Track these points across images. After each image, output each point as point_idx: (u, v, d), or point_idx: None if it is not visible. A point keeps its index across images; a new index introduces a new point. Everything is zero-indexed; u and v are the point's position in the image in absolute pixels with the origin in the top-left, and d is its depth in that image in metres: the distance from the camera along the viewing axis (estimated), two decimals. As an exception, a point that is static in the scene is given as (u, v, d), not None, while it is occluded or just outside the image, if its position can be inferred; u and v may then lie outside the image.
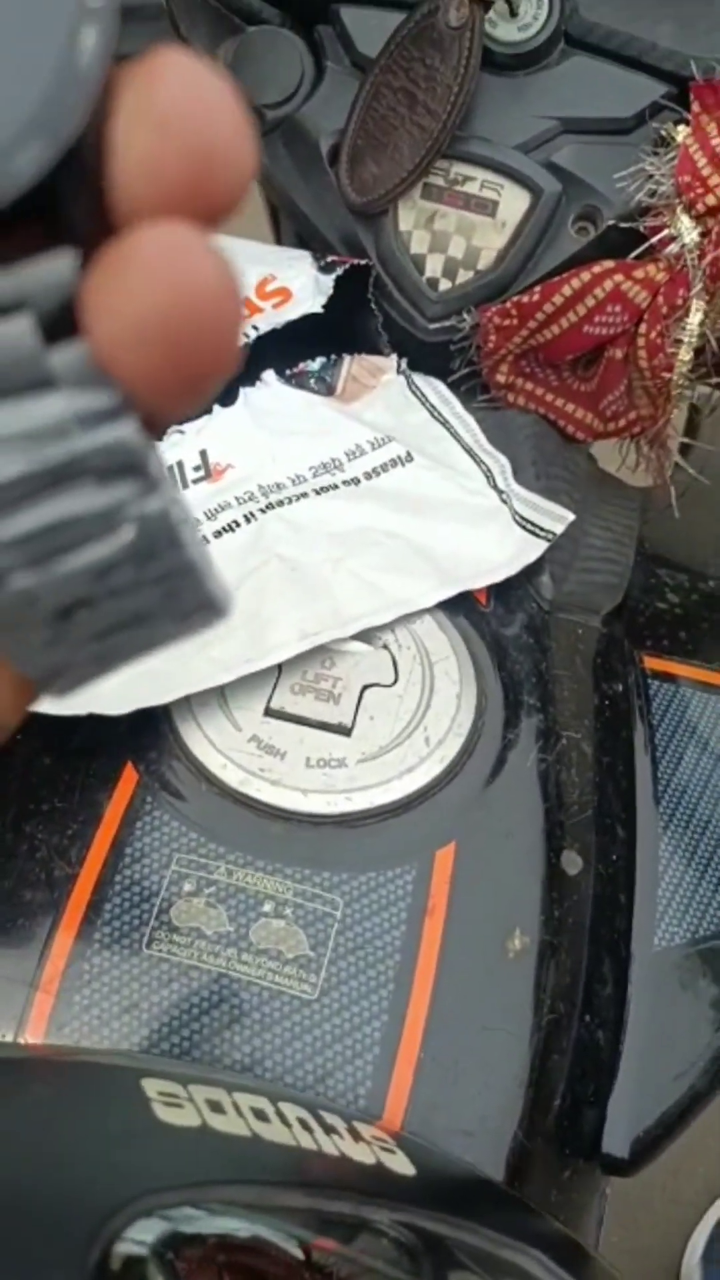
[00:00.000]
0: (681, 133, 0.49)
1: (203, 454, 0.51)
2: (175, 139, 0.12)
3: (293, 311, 0.52)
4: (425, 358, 0.55)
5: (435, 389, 0.55)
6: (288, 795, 0.41)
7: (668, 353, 0.51)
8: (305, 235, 0.56)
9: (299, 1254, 0.27)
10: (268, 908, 0.38)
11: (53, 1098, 0.31)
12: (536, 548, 0.48)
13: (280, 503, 0.49)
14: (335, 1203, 0.29)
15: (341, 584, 0.46)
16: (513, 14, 0.50)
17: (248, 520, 0.48)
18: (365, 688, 0.44)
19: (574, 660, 0.48)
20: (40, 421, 0.13)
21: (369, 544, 0.47)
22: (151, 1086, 0.30)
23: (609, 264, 0.50)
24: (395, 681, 0.44)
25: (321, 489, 0.50)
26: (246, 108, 0.13)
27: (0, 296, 0.12)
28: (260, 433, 0.51)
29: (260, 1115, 0.31)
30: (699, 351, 0.51)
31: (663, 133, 0.50)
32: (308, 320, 0.51)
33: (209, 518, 0.48)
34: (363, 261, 0.53)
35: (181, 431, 0.51)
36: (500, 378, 0.55)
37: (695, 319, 0.50)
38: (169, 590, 0.14)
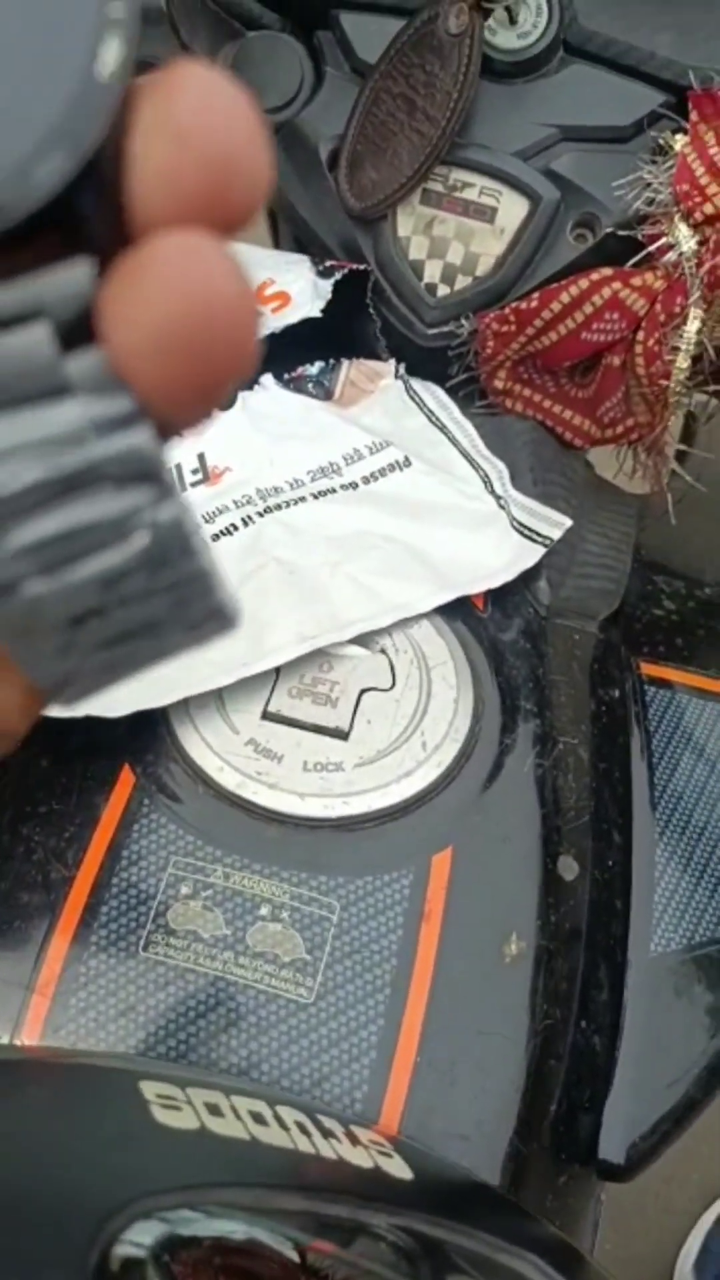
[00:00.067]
0: (679, 141, 0.49)
1: (201, 457, 0.51)
2: (193, 150, 0.12)
3: (291, 316, 0.52)
4: (423, 363, 0.55)
5: (433, 394, 0.55)
6: (285, 798, 0.41)
7: (665, 360, 0.51)
8: (304, 240, 0.56)
9: (295, 1257, 0.27)
10: (264, 911, 0.38)
11: (51, 1100, 0.31)
12: (534, 553, 0.49)
13: (278, 506, 0.49)
14: (332, 1206, 0.29)
15: (339, 588, 0.46)
16: (512, 21, 0.50)
17: (246, 524, 0.48)
18: (363, 692, 0.44)
19: (571, 666, 0.48)
20: (56, 429, 0.13)
21: (367, 548, 0.48)
22: (150, 1089, 0.30)
23: (607, 271, 0.50)
24: (393, 686, 0.44)
25: (319, 493, 0.50)
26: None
27: (18, 305, 0.13)
28: (258, 436, 0.51)
29: (258, 1118, 0.31)
30: (696, 359, 0.51)
31: (661, 141, 0.51)
32: (306, 324, 0.51)
33: (207, 521, 0.48)
34: (361, 266, 0.53)
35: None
36: (498, 384, 0.55)
37: (693, 327, 0.50)
38: (179, 599, 0.14)
